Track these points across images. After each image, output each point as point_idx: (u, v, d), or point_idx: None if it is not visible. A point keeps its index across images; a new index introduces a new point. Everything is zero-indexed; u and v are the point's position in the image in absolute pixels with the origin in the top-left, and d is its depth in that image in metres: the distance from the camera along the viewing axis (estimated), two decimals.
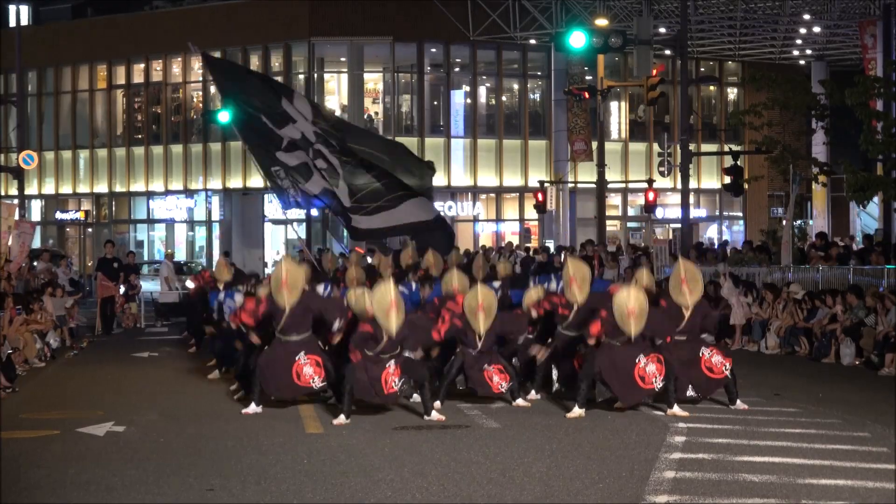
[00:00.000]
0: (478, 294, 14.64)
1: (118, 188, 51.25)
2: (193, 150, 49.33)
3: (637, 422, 13.60)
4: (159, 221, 51.40)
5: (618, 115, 49.11)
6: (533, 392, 15.92)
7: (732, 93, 51.04)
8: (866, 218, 41.43)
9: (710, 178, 48.69)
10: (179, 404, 15.75)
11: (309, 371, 14.27)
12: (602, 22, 36.34)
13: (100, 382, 18.64)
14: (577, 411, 14.00)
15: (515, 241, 44.26)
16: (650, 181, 39.17)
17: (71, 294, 26.65)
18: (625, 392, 14.02)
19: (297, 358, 14.29)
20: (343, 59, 47.10)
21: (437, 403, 14.44)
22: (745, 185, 36.96)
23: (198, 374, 19.41)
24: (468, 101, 47.59)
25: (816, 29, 43.46)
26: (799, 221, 40.20)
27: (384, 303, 13.70)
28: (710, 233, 49.91)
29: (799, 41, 45.79)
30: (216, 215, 48.87)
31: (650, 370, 13.86)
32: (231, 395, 16.28)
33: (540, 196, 38.60)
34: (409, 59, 46.48)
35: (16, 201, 44.96)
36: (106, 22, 51.24)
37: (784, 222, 33.40)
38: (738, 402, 14.72)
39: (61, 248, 48.44)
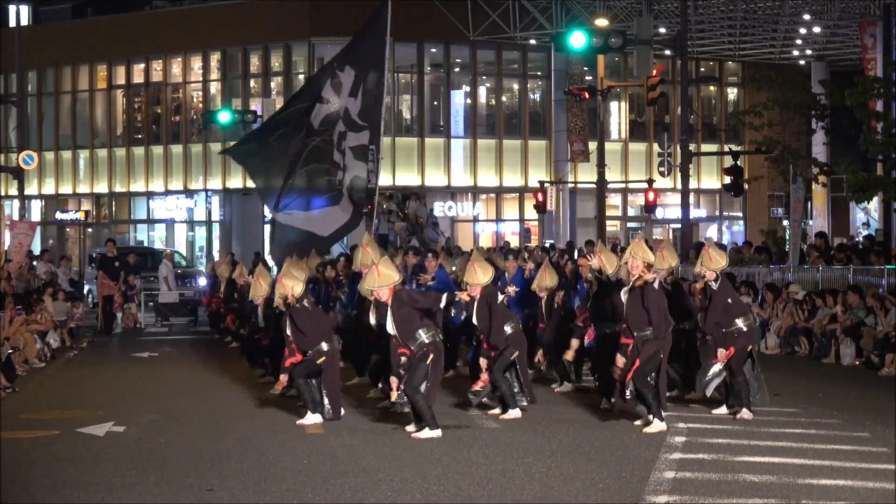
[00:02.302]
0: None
1: (118, 188, 51.23)
2: (193, 150, 49.30)
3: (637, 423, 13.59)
4: (159, 221, 51.37)
5: (618, 116, 49.10)
6: (566, 384, 16.67)
7: (732, 93, 51.03)
8: (864, 218, 41.44)
9: (710, 178, 48.67)
10: (179, 404, 15.76)
11: None
12: (602, 22, 36.32)
13: (100, 382, 18.66)
14: (658, 425, 13.20)
15: (515, 241, 44.26)
16: (650, 181, 39.19)
17: (70, 294, 26.67)
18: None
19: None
20: None
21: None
22: (745, 186, 36.99)
23: (198, 375, 19.42)
24: (468, 101, 47.57)
25: (816, 29, 43.45)
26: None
27: (371, 271, 13.30)
28: (711, 233, 49.89)
29: (799, 41, 45.77)
30: (216, 215, 48.86)
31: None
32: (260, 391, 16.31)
33: (540, 196, 38.61)
34: (409, 59, 46.46)
35: (16, 202, 45.05)
36: (106, 22, 51.20)
37: (786, 223, 33.41)
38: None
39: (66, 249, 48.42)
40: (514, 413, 14.23)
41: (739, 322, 14.20)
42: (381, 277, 13.15)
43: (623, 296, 13.53)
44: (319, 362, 14.06)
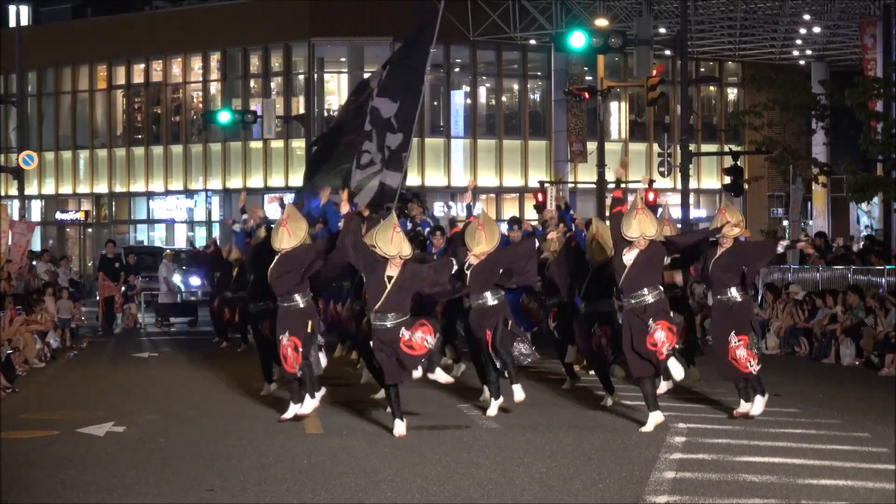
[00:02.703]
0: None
1: (118, 188, 51.28)
2: (193, 150, 49.34)
3: (637, 422, 13.57)
4: (159, 222, 51.44)
5: (618, 116, 49.14)
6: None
7: (732, 93, 51.06)
8: (868, 221, 41.45)
9: (710, 179, 48.71)
10: (179, 404, 15.76)
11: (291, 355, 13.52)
12: (602, 22, 36.35)
13: (100, 383, 18.65)
14: (655, 417, 12.95)
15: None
16: (650, 181, 39.18)
17: (71, 295, 26.68)
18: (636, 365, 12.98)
19: (281, 338, 13.56)
20: (343, 60, 47.11)
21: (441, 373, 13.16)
22: (745, 186, 37.02)
23: (198, 375, 19.41)
24: (468, 101, 47.62)
25: (816, 29, 43.48)
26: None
27: (387, 226, 12.60)
28: None
29: (799, 41, 45.81)
30: (216, 215, 48.88)
31: (659, 337, 12.77)
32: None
33: (540, 196, 38.61)
34: None
35: (16, 202, 45.03)
36: (106, 22, 51.27)
37: (786, 223, 33.41)
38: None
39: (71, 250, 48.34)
40: (519, 388, 13.74)
41: (734, 291, 13.45)
42: (393, 245, 12.44)
43: (626, 258, 12.91)
44: (310, 328, 13.45)
